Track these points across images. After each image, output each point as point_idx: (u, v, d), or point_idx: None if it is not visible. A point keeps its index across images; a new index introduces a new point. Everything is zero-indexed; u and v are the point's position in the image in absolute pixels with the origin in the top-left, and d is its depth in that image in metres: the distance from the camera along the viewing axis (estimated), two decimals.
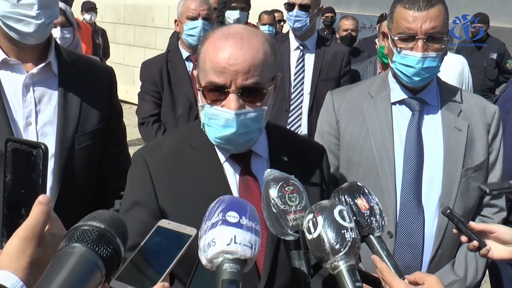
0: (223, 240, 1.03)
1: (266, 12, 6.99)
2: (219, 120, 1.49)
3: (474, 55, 7.56)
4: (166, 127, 3.59)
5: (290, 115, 3.87)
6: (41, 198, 0.96)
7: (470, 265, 2.13)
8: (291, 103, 3.85)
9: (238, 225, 1.06)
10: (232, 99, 1.45)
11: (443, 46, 2.02)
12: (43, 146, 1.00)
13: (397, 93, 2.15)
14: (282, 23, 8.15)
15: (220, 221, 1.06)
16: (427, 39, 1.98)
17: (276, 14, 8.20)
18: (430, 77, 2.06)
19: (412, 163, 2.07)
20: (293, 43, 3.95)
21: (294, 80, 3.88)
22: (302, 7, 3.83)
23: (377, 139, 2.10)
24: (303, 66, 3.90)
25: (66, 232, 0.91)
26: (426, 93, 2.13)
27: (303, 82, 3.88)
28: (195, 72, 1.61)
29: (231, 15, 4.38)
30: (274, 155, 1.66)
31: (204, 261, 1.06)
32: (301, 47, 3.92)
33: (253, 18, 8.55)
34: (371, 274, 1.39)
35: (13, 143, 1.02)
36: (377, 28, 7.24)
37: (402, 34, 2.01)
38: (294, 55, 3.93)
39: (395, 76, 2.13)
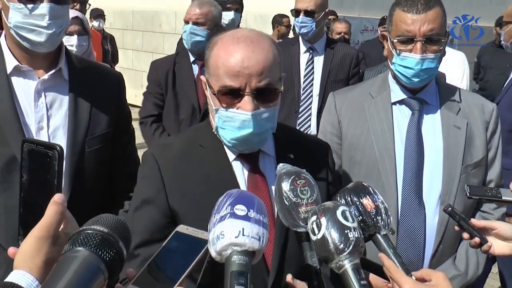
0: (231, 232, 1.04)
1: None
2: (235, 122, 1.50)
3: (496, 56, 7.36)
4: (169, 131, 3.57)
5: (299, 116, 3.89)
6: (56, 197, 0.96)
7: (471, 260, 2.12)
8: (300, 104, 3.87)
9: (246, 218, 1.07)
10: (247, 101, 1.47)
11: (441, 48, 2.03)
12: (58, 148, 1.01)
13: (397, 93, 2.15)
14: (289, 29, 8.14)
15: (229, 214, 1.07)
16: (426, 41, 1.98)
17: (284, 20, 8.22)
18: (428, 78, 2.06)
19: (413, 161, 2.07)
20: (303, 46, 3.98)
21: (304, 82, 3.90)
22: (307, 13, 3.87)
23: (378, 139, 2.10)
24: (312, 68, 3.93)
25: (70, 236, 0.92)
26: (426, 93, 2.13)
27: (312, 84, 3.90)
28: (203, 78, 1.62)
29: (226, 16, 4.42)
30: (281, 153, 1.67)
31: (213, 253, 1.07)
32: (310, 50, 3.95)
33: (258, 21, 8.59)
34: (373, 262, 1.39)
35: (29, 144, 1.03)
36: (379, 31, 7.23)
37: (401, 37, 2.01)
38: (304, 58, 3.96)
39: (394, 77, 2.14)
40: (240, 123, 1.49)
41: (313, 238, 1.19)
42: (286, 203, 1.27)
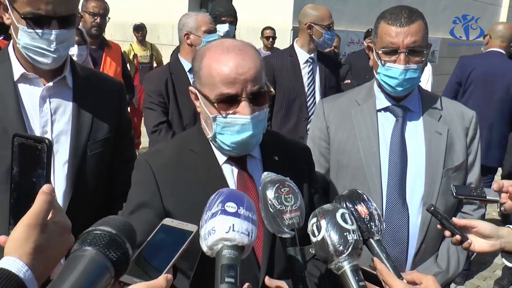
0: (222, 228, 1.06)
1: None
2: (234, 127, 1.51)
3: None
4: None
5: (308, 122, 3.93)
6: (45, 188, 0.97)
7: (452, 258, 2.13)
8: (308, 111, 3.90)
9: (236, 214, 1.08)
10: (245, 106, 1.48)
11: (423, 59, 2.05)
12: (47, 141, 1.02)
13: (382, 101, 2.16)
14: (270, 40, 8.21)
15: (220, 211, 1.09)
16: (409, 53, 2.00)
17: (267, 31, 8.29)
18: (411, 87, 2.08)
19: (397, 165, 2.08)
20: (302, 57, 3.98)
21: (308, 90, 3.94)
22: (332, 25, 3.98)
23: (364, 144, 2.11)
24: (314, 77, 3.98)
25: (79, 235, 0.93)
26: (409, 101, 2.15)
27: (314, 92, 3.96)
28: (192, 89, 1.61)
29: (222, 28, 4.42)
30: (266, 155, 1.68)
31: (204, 248, 1.08)
32: (310, 60, 3.98)
33: (250, 34, 8.61)
34: (369, 271, 1.39)
35: (20, 138, 1.04)
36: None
37: (385, 48, 2.03)
38: (305, 68, 3.99)
39: (379, 86, 2.15)
40: (240, 127, 1.50)
41: (313, 239, 1.18)
42: (271, 210, 1.26)
